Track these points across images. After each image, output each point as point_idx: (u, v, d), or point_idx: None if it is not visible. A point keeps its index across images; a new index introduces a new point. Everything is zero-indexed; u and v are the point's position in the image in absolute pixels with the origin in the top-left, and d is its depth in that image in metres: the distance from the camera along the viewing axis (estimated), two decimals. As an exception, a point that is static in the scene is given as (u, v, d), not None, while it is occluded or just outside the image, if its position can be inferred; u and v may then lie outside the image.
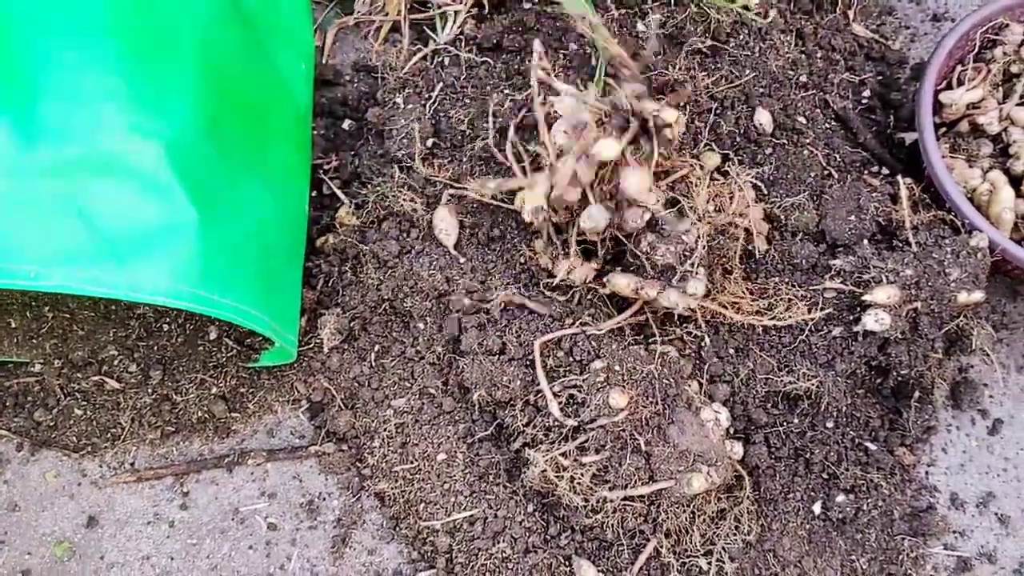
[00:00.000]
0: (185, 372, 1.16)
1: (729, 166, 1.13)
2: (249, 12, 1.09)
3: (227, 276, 0.96)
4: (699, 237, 1.04)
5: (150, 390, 1.16)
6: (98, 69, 0.90)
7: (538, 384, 1.03)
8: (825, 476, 1.07)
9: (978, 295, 1.03)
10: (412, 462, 1.08)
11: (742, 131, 1.17)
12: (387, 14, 1.32)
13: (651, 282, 1.03)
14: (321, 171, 1.25)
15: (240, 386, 1.17)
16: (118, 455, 1.15)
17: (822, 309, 1.05)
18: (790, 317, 1.05)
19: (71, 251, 0.87)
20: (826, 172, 1.17)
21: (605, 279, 1.06)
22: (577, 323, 1.06)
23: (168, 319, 1.18)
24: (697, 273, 1.03)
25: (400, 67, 1.24)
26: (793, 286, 1.09)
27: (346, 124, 1.28)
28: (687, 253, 1.04)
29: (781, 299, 1.08)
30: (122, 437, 1.15)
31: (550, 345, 1.05)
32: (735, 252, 1.10)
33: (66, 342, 1.16)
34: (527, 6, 1.26)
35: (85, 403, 1.16)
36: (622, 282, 1.04)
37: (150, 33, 0.92)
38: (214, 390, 1.16)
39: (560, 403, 1.01)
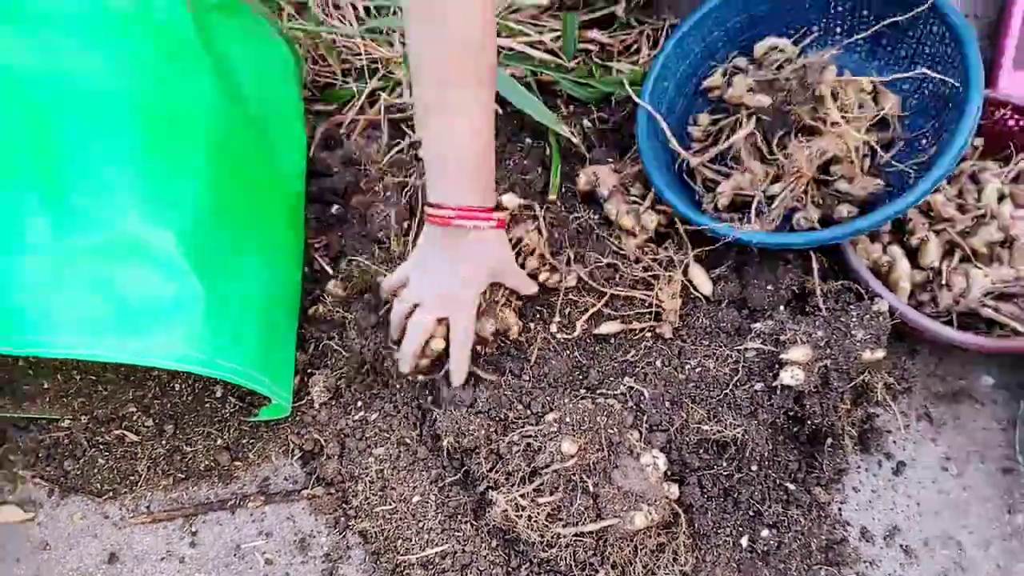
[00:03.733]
0: (194, 426, 1.25)
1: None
2: (254, 115, 1.21)
3: (231, 343, 1.05)
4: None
5: (164, 442, 1.24)
6: (120, 166, 0.99)
7: (500, 433, 1.12)
8: (751, 513, 1.15)
9: (880, 353, 1.11)
10: (391, 504, 1.16)
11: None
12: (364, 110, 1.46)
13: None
14: (313, 249, 1.36)
15: (242, 438, 1.25)
16: (136, 499, 1.24)
17: (742, 366, 1.17)
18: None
19: (98, 324, 0.96)
20: (747, 249, 1.27)
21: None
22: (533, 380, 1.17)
23: (180, 380, 1.28)
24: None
25: (379, 160, 1.37)
26: (720, 347, 1.19)
27: (334, 209, 1.39)
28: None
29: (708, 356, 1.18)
30: (139, 483, 1.23)
31: (511, 399, 1.16)
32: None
33: (91, 401, 1.26)
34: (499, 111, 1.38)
35: (107, 454, 1.24)
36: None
37: (166, 134, 1.02)
38: (219, 441, 1.25)
39: (519, 450, 1.09)
